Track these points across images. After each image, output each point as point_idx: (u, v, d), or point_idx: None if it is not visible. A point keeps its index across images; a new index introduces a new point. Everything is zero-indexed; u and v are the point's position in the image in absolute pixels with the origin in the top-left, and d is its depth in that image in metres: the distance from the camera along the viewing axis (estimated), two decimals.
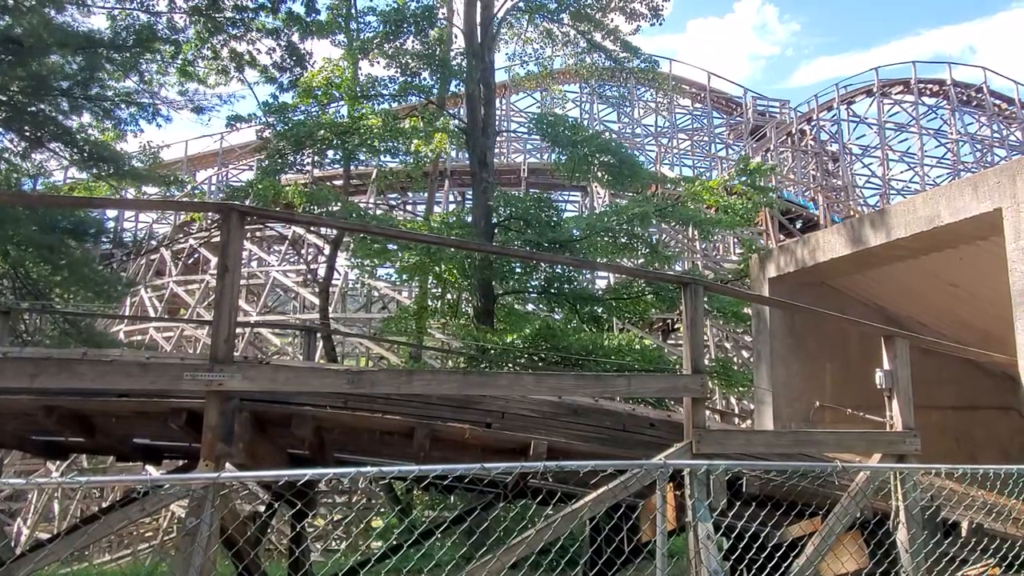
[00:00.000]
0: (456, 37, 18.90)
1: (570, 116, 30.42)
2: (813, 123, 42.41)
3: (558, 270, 16.04)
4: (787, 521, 5.52)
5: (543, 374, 8.02)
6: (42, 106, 15.76)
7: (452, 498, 10.77)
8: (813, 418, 8.11)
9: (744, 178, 17.93)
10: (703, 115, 43.58)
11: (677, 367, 13.72)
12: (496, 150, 24.09)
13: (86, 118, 17.21)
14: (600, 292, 20.06)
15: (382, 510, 16.81)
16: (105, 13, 17.65)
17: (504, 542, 4.74)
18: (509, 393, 6.15)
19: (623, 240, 16.23)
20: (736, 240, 27.58)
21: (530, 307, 18.82)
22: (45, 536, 16.84)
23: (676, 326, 23.78)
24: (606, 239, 15.91)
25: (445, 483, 7.16)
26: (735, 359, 23.67)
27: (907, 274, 9.70)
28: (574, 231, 16.13)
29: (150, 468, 11.70)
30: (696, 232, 23.17)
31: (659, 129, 42.11)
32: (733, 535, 5.15)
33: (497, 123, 23.87)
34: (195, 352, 20.73)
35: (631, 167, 17.67)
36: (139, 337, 25.03)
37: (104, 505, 13.32)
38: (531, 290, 16.76)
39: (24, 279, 14.66)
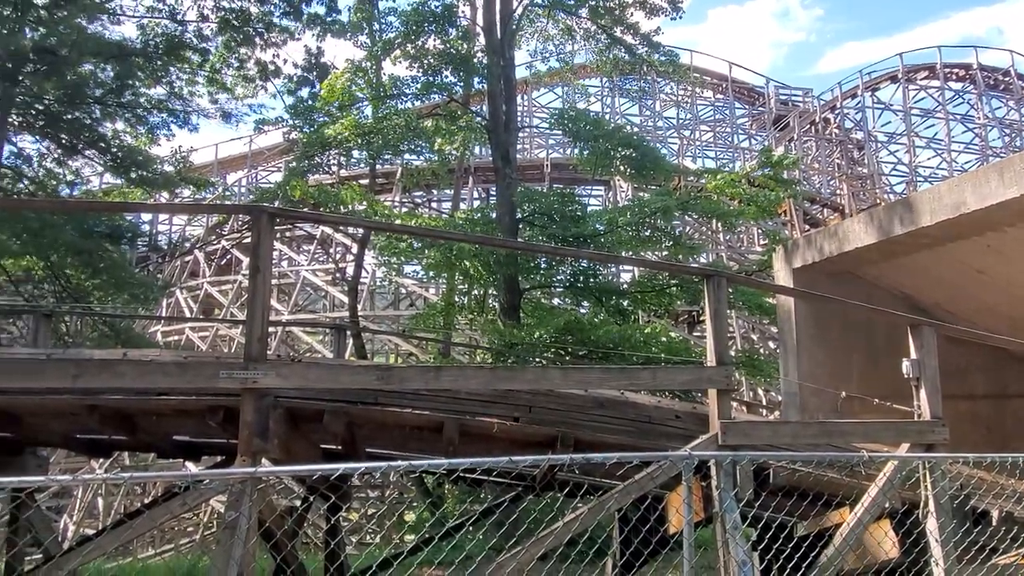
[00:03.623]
0: (478, 34, 18.94)
1: (592, 111, 30.29)
2: (837, 111, 41.77)
3: (583, 264, 16.03)
4: (815, 511, 5.49)
5: (569, 368, 8.06)
6: (77, 114, 16.13)
7: (482, 492, 10.83)
8: (840, 408, 8.04)
9: (767, 169, 17.74)
10: (725, 106, 43.12)
11: (703, 359, 13.66)
12: (519, 146, 24.08)
13: (119, 125, 17.57)
14: (625, 285, 20.00)
15: (414, 504, 16.97)
16: (135, 22, 18.00)
17: (533, 534, 4.78)
18: (536, 387, 6.20)
19: (646, 233, 16.17)
20: (760, 231, 27.31)
21: (556, 302, 18.82)
22: (91, 532, 17.26)
23: (701, 318, 23.62)
24: (629, 232, 15.86)
25: (474, 476, 7.23)
26: (762, 350, 23.47)
27: (933, 262, 9.56)
28: (598, 225, 16.10)
29: (189, 464, 11.94)
30: (720, 224, 22.98)
31: (681, 121, 41.76)
32: (760, 525, 5.13)
33: (519, 119, 23.86)
34: (230, 351, 21.04)
35: (653, 160, 17.57)
36: (176, 337, 25.45)
37: (146, 501, 13.63)
38: (556, 284, 16.77)
39: (64, 283, 15.03)
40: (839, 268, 10.21)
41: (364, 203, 17.73)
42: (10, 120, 15.40)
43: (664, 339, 14.12)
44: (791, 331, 10.19)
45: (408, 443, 6.67)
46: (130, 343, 14.30)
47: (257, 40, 18.84)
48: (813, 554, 4.90)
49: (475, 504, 10.59)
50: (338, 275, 24.15)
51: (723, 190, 17.08)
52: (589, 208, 22.12)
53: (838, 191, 38.74)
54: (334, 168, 22.51)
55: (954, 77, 42.18)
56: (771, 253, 15.82)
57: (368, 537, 16.18)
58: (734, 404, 5.75)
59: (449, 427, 6.07)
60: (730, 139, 41.97)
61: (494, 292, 17.32)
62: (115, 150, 16.47)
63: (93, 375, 5.20)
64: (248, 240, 26.21)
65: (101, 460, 16.96)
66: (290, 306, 25.83)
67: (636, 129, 33.97)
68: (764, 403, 21.72)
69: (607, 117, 32.42)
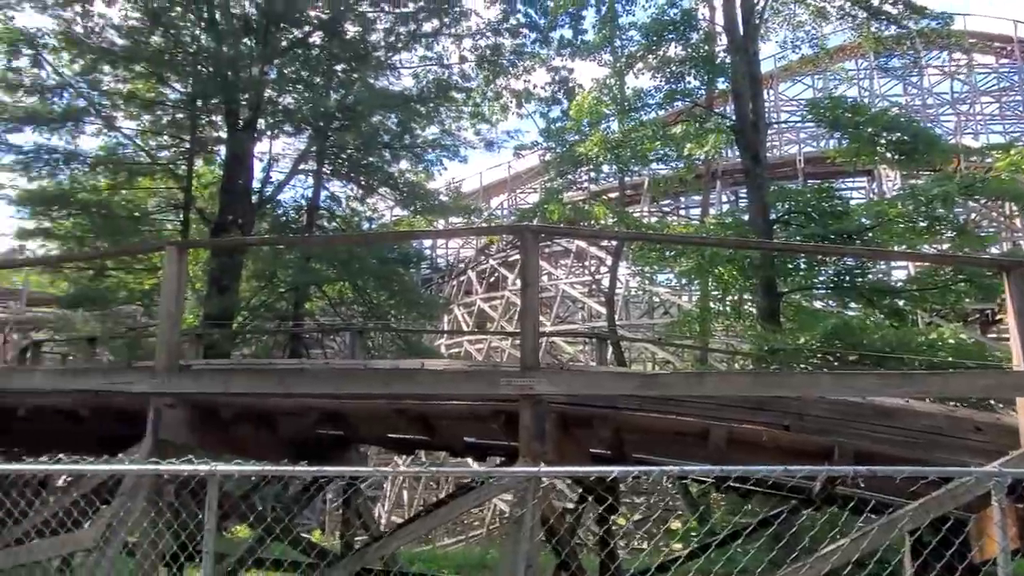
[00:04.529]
0: (719, 34, 18.34)
1: (848, 97, 27.61)
2: None
3: (847, 263, 14.64)
4: None
5: (842, 373, 7.43)
6: (371, 159, 18.54)
7: (750, 504, 10.26)
8: None
9: None
10: (1013, 71, 36.57)
11: (1005, 363, 11.68)
12: (767, 143, 22.74)
13: (403, 164, 19.87)
14: (900, 283, 17.90)
15: (679, 512, 16.68)
16: (410, 72, 20.28)
17: (814, 550, 4.46)
18: (805, 393, 5.80)
19: (923, 224, 14.32)
20: None
21: (818, 304, 17.42)
22: (397, 520, 19.50)
23: (998, 317, 20.25)
24: (901, 225, 14.18)
25: (745, 486, 6.93)
26: None
27: None
28: (863, 219, 14.62)
29: (472, 463, 12.95)
30: (1017, 207, 19.58)
31: (956, 95, 36.27)
32: None
33: (766, 115, 22.55)
34: (501, 361, 22.43)
35: (926, 142, 15.53)
36: (456, 349, 27.77)
37: (440, 496, 15.06)
38: (818, 286, 15.51)
39: (368, 304, 17.38)
40: None
41: (614, 216, 17.97)
42: (323, 169, 18.16)
43: (952, 341, 12.34)
44: None
45: (672, 449, 6.60)
46: (421, 354, 15.97)
47: (511, 70, 20.17)
48: None
49: (745, 517, 10.12)
50: (594, 287, 24.69)
51: (1019, 167, 14.58)
52: (852, 202, 20.17)
53: None
54: (585, 184, 23.13)
55: None
56: None
57: (635, 543, 16.21)
58: None
59: (716, 434, 5.90)
60: (1021, 108, 35.54)
61: (749, 297, 16.53)
62: (402, 187, 18.66)
63: (400, 382, 5.94)
64: (512, 258, 27.95)
65: (404, 457, 19.07)
66: (551, 318, 26.89)
67: (901, 110, 30.24)
68: None
69: (866, 101, 29.29)
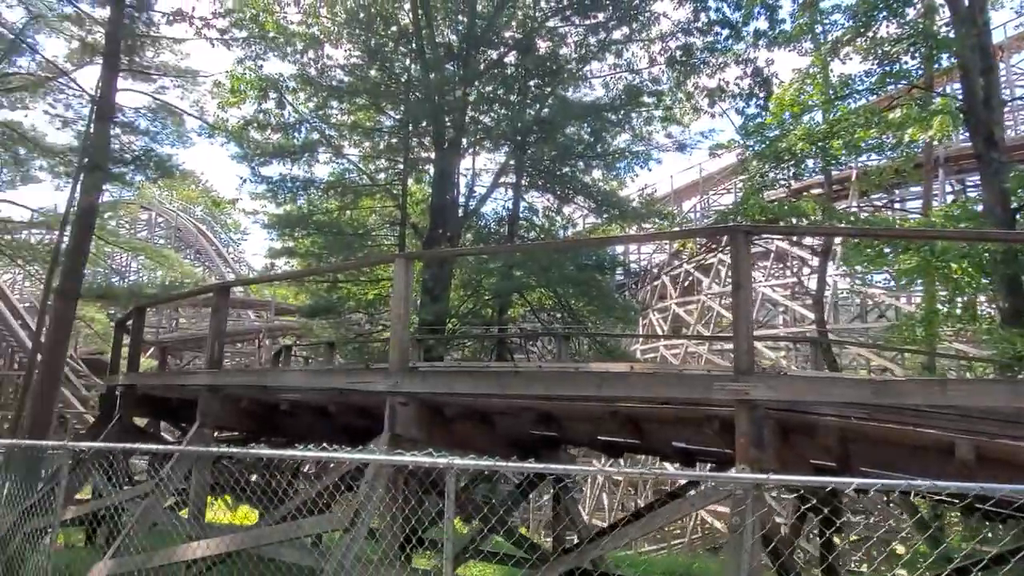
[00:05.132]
0: (941, 5, 16.33)
1: None
2: None
3: None
4: None
5: None
6: (566, 169, 18.85)
7: (996, 529, 8.89)
8: None
9: None
10: None
11: None
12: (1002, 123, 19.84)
13: (596, 173, 19.95)
14: None
15: (904, 535, 14.97)
16: (600, 81, 20.33)
17: None
18: None
19: None
20: None
21: None
22: (598, 523, 19.50)
23: None
24: None
25: (1005, 511, 6.01)
26: None
27: None
28: None
29: (668, 466, 12.53)
30: None
31: None
32: None
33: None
34: (699, 365, 21.65)
35: None
36: (652, 354, 27.27)
37: (639, 502, 14.83)
38: None
39: (567, 309, 17.69)
40: None
41: (823, 211, 16.66)
42: (521, 182, 18.80)
43: None
44: None
45: (909, 464, 5.93)
46: (617, 359, 15.94)
47: (703, 68, 19.45)
48: None
49: (988, 544, 8.81)
50: (797, 289, 23.07)
51: None
52: None
53: None
54: (785, 181, 21.73)
55: None
56: None
57: (852, 564, 14.78)
58: None
59: (962, 448, 5.22)
60: None
61: (985, 297, 14.49)
62: (595, 195, 18.78)
63: (612, 385, 5.92)
64: (708, 262, 26.95)
65: (606, 459, 19.04)
66: None
67: None
68: None
69: None
